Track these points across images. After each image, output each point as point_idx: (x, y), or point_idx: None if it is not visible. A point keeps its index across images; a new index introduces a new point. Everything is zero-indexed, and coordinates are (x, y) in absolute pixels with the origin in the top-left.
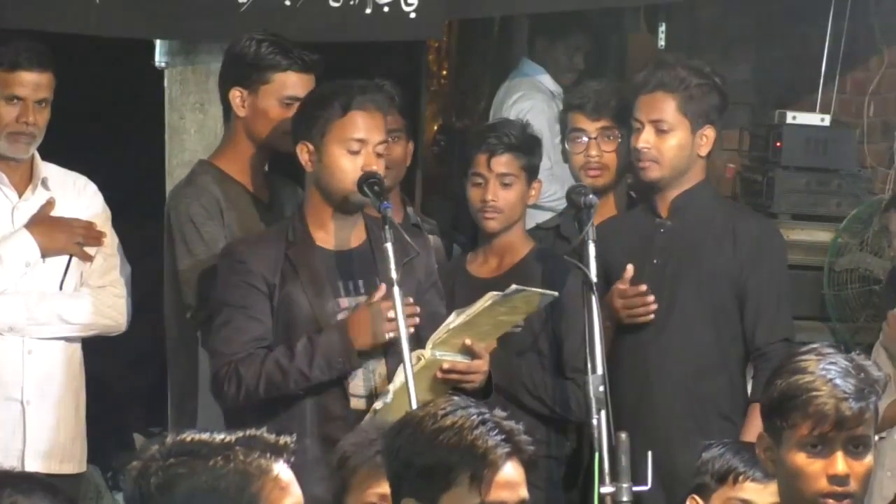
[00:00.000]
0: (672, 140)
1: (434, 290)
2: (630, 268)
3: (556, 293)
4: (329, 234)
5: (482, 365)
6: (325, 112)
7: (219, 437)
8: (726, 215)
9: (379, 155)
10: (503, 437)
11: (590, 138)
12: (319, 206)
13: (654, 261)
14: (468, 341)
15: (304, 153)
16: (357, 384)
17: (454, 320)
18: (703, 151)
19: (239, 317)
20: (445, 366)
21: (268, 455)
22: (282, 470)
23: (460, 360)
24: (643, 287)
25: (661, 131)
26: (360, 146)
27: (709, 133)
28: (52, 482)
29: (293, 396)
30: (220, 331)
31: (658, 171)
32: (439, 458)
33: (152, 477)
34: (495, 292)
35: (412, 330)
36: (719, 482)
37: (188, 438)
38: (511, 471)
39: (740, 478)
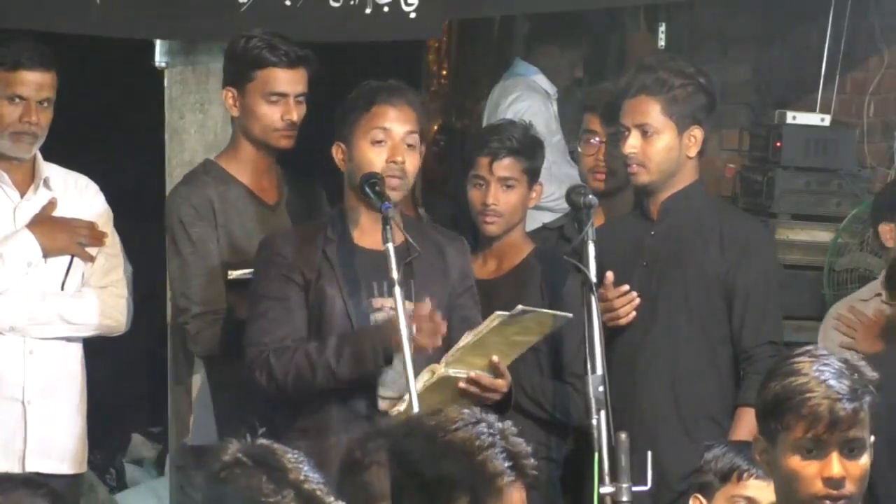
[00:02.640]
0: (658, 143)
1: (468, 295)
2: (610, 274)
3: (570, 315)
4: (366, 233)
5: (503, 385)
6: (352, 111)
7: (300, 477)
8: (715, 216)
9: (410, 146)
10: (511, 463)
11: (601, 142)
12: (355, 205)
13: (644, 263)
14: (495, 358)
15: (337, 153)
16: (384, 384)
17: (465, 339)
18: (692, 152)
19: (276, 308)
20: (472, 374)
21: None
22: None
23: (482, 375)
24: (625, 287)
25: (647, 135)
26: (384, 135)
27: (696, 133)
28: (32, 477)
29: (319, 394)
30: (257, 321)
31: (646, 175)
32: (444, 474)
33: (229, 463)
34: (501, 312)
35: (438, 342)
36: (723, 480)
37: (281, 456)
38: (513, 497)
39: (744, 475)
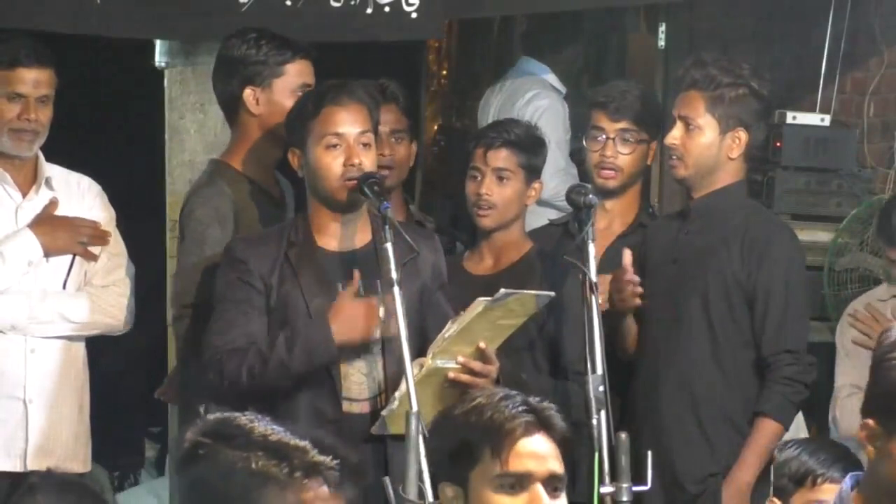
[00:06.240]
0: (699, 138)
1: (442, 292)
2: (628, 252)
3: (552, 293)
4: (331, 236)
5: (493, 370)
6: (302, 116)
7: (263, 432)
8: (742, 219)
9: (365, 144)
10: (525, 408)
11: (608, 138)
12: (317, 208)
13: (673, 261)
14: (482, 344)
15: (293, 159)
16: (351, 387)
17: (450, 328)
18: (734, 154)
19: (234, 311)
20: (461, 359)
21: (294, 469)
22: (313, 488)
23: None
24: (636, 278)
25: (689, 129)
26: (338, 140)
27: (741, 136)
28: (83, 482)
29: (287, 397)
30: (215, 324)
31: (683, 169)
32: (462, 437)
33: (189, 449)
34: (484, 298)
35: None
36: (798, 484)
37: (235, 422)
38: (535, 442)
39: (818, 479)
